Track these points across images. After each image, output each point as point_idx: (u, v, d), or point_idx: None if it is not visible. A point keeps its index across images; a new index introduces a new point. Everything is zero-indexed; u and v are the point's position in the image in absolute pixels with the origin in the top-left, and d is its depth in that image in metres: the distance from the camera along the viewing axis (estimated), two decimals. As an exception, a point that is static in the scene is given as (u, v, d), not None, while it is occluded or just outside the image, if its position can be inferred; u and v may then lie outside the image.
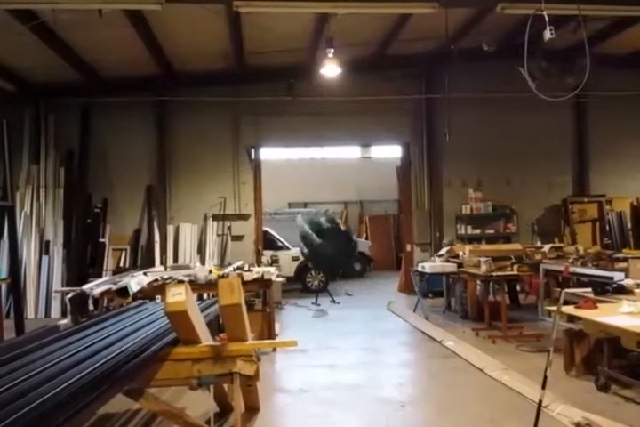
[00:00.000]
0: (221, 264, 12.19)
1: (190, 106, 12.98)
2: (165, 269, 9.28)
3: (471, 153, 13.53)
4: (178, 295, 4.26)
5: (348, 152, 21.03)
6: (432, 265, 10.43)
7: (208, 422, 4.70)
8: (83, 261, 12.45)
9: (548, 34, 7.14)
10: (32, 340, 4.38)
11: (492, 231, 13.85)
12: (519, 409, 5.33)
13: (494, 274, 8.73)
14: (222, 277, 7.55)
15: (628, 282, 6.93)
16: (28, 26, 8.85)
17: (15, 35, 9.24)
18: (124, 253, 12.95)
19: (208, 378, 4.35)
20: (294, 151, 20.77)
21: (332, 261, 13.27)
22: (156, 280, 7.78)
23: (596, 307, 5.77)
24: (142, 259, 12.96)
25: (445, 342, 8.23)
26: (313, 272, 14.90)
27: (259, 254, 13.30)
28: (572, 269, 8.80)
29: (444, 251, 11.22)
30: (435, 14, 8.60)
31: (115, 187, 13.10)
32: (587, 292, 6.74)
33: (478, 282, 9.86)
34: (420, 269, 10.71)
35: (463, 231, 13.75)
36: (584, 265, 8.78)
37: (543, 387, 4.50)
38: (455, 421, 5.31)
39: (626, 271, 7.65)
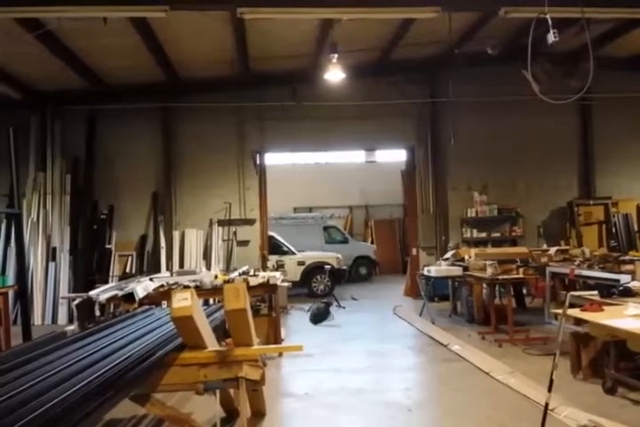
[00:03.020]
0: (227, 269, 12.20)
1: (195, 112, 13.06)
2: (171, 275, 9.30)
3: (476, 156, 13.52)
4: (184, 301, 4.28)
5: (353, 156, 21.15)
6: (438, 269, 10.41)
7: (214, 427, 4.72)
8: (89, 268, 12.50)
9: (551, 37, 7.13)
10: (39, 346, 4.41)
11: (497, 234, 13.82)
12: (526, 412, 5.32)
13: (500, 277, 8.70)
14: (228, 282, 7.58)
15: (634, 284, 6.90)
16: (34, 34, 8.91)
17: (21, 43, 9.29)
18: (130, 258, 12.99)
19: (214, 383, 4.37)
20: (299, 156, 20.90)
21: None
22: (162, 286, 7.80)
23: (602, 310, 5.75)
24: (148, 265, 13.00)
25: (452, 346, 8.22)
26: (319, 277, 14.95)
27: (264, 259, 13.31)
28: (578, 271, 8.81)
29: (449, 255, 11.19)
30: (438, 19, 8.61)
31: (121, 193, 13.14)
32: (593, 294, 6.71)
33: (484, 285, 9.85)
34: (425, 272, 10.71)
35: (469, 235, 13.73)
36: (590, 268, 8.75)
37: (550, 390, 4.50)
38: (462, 425, 5.31)
39: (632, 274, 7.63)
